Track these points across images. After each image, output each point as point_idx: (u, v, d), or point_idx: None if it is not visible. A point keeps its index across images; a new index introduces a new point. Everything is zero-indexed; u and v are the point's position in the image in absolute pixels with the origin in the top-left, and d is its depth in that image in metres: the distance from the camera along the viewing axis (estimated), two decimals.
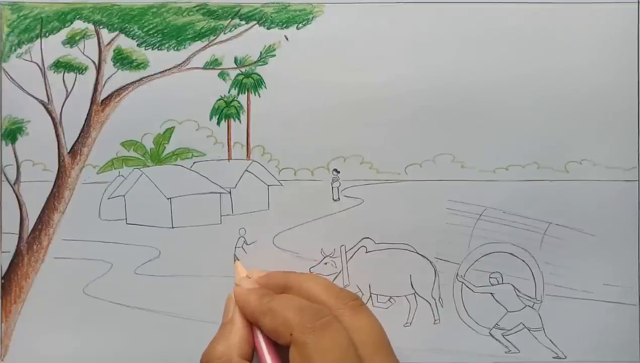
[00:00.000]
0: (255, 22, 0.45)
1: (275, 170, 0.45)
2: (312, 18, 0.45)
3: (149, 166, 0.45)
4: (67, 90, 0.44)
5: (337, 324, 0.36)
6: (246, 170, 0.45)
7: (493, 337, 0.45)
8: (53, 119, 0.44)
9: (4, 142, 0.44)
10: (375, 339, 0.37)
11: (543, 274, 0.45)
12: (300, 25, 0.45)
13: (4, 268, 0.44)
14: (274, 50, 0.45)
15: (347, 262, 0.45)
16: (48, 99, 0.44)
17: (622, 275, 0.45)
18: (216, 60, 0.45)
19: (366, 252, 0.45)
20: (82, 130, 0.44)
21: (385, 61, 0.45)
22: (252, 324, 0.39)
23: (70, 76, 0.45)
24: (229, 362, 0.37)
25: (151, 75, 0.45)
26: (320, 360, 0.34)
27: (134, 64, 0.44)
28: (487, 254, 0.45)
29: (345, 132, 0.45)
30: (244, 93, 0.45)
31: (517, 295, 0.45)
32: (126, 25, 0.44)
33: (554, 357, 0.45)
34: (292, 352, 0.35)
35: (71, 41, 0.44)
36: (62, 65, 0.44)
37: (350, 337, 0.36)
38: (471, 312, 0.45)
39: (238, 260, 0.44)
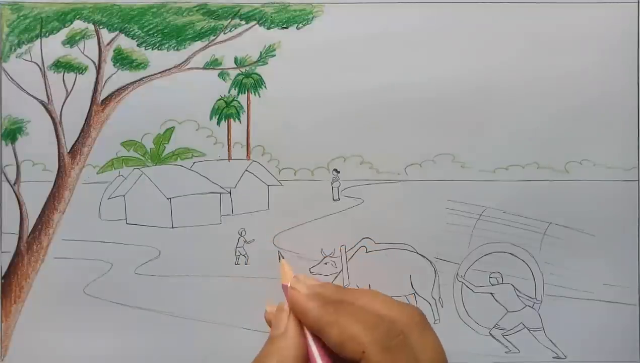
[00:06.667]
0: (255, 22, 0.45)
1: (275, 170, 0.45)
2: (312, 18, 0.45)
3: (149, 166, 0.45)
4: (67, 90, 0.44)
5: (408, 343, 0.34)
6: (246, 170, 0.45)
7: (493, 337, 0.45)
8: (53, 119, 0.44)
9: (4, 142, 0.44)
10: (440, 361, 0.35)
11: (543, 274, 0.45)
12: (300, 25, 0.45)
13: (4, 268, 0.44)
14: (274, 50, 0.45)
15: (347, 262, 0.45)
16: (48, 99, 0.44)
17: (622, 275, 0.45)
18: (216, 60, 0.45)
19: (366, 252, 0.45)
20: (82, 130, 0.45)
21: (385, 61, 0.45)
22: (305, 336, 0.36)
23: (70, 76, 0.45)
24: None
25: (151, 75, 0.45)
26: None
27: (134, 64, 0.44)
28: (487, 254, 0.45)
29: (345, 132, 0.45)
30: (244, 93, 0.45)
31: (517, 295, 0.45)
32: (126, 25, 0.44)
33: (554, 357, 0.45)
34: None
35: (71, 41, 0.44)
36: (62, 65, 0.44)
37: (417, 357, 0.34)
38: (471, 312, 0.45)
39: (283, 258, 0.43)
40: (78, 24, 0.44)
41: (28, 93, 0.44)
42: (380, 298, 0.36)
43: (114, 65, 0.45)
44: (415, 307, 0.37)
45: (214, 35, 0.45)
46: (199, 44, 0.45)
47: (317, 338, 0.36)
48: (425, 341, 0.35)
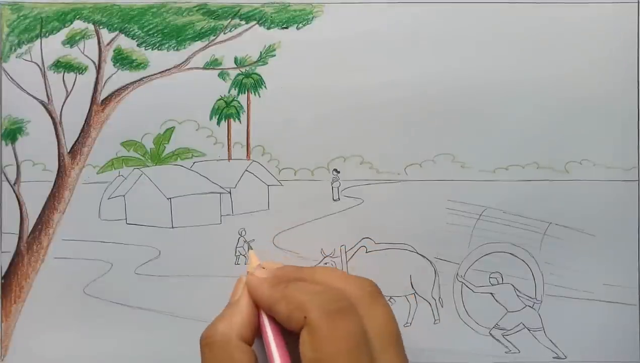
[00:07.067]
0: (255, 22, 0.45)
1: (275, 170, 0.45)
2: (312, 18, 0.45)
3: (149, 166, 0.45)
4: (67, 90, 0.44)
5: (353, 311, 0.34)
6: (246, 170, 0.45)
7: (493, 337, 0.45)
8: (53, 119, 0.44)
9: (4, 142, 0.44)
10: (390, 332, 0.35)
11: (543, 274, 0.45)
12: (300, 25, 0.45)
13: (4, 268, 0.44)
14: (274, 50, 0.45)
15: (347, 262, 0.45)
16: (48, 99, 0.44)
17: (622, 275, 0.45)
18: (216, 60, 0.45)
19: (366, 252, 0.45)
20: (82, 130, 0.45)
21: (386, 61, 0.45)
22: (259, 309, 0.38)
23: (70, 76, 0.45)
24: (227, 342, 0.36)
25: (151, 75, 0.45)
26: (332, 347, 0.32)
27: (134, 64, 0.44)
28: (487, 254, 0.45)
29: (345, 132, 0.45)
30: (244, 93, 0.45)
31: (517, 295, 0.45)
32: (126, 25, 0.44)
33: (554, 357, 0.45)
34: (303, 335, 0.33)
35: (71, 41, 0.44)
36: (62, 65, 0.44)
37: (365, 326, 0.34)
38: (471, 312, 0.45)
39: (252, 249, 0.43)
40: (78, 24, 0.44)
41: (28, 93, 0.44)
42: (335, 274, 0.38)
43: (114, 65, 0.45)
44: (369, 279, 0.37)
45: (214, 35, 0.45)
46: (199, 44, 0.45)
47: (272, 320, 0.37)
48: (375, 312, 0.35)
